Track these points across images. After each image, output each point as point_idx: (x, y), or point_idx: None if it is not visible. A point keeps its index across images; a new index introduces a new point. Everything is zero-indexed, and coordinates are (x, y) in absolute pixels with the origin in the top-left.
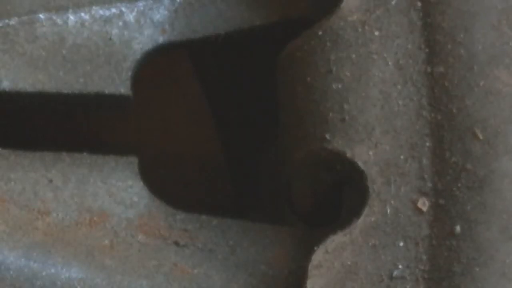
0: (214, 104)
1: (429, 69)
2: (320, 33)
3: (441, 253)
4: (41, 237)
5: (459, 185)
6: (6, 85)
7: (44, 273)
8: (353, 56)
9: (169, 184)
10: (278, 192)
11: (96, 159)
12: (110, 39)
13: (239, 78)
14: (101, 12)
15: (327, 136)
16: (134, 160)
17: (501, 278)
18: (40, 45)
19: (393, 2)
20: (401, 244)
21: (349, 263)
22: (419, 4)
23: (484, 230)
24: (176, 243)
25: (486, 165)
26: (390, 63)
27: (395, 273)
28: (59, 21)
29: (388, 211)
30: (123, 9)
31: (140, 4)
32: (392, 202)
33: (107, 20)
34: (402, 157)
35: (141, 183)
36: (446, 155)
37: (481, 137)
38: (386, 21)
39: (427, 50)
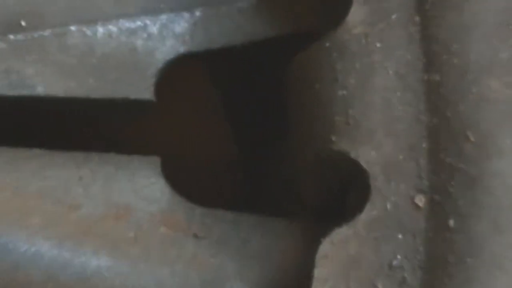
0: (229, 108)
1: (426, 77)
2: (327, 44)
3: (436, 245)
4: (72, 229)
5: (453, 183)
6: (41, 90)
7: (75, 262)
8: (357, 65)
9: (189, 181)
10: (286, 187)
11: (122, 159)
12: (135, 49)
13: (251, 84)
14: (127, 24)
15: (333, 138)
16: (156, 159)
17: (491, 267)
18: (71, 54)
19: (393, 17)
20: (400, 236)
21: (353, 253)
22: (417, 18)
23: (475, 224)
24: (195, 235)
25: (478, 165)
26: (390, 72)
27: (394, 262)
28: (88, 32)
29: (389, 206)
30: (147, 21)
31: (163, 17)
32: (392, 198)
33: (132, 32)
34: (401, 157)
35: (163, 181)
36: (441, 156)
37: (473, 139)
38: (387, 33)
39: (424, 60)
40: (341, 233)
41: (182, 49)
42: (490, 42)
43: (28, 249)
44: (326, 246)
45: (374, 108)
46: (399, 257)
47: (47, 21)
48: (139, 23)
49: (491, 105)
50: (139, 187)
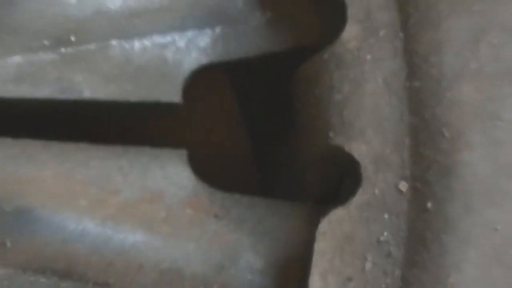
0: (246, 110)
1: (408, 85)
2: (325, 57)
3: (416, 224)
4: (113, 210)
5: (431, 172)
6: (87, 95)
7: (115, 238)
8: (351, 74)
9: (210, 170)
10: (292, 176)
11: (155, 151)
12: (166, 60)
13: (264, 87)
14: (159, 39)
15: (331, 134)
16: (184, 152)
17: (461, 242)
18: (112, 64)
19: (381, 33)
20: (386, 216)
21: (346, 231)
22: (401, 34)
23: (449, 206)
24: (216, 216)
25: (451, 157)
26: (379, 80)
27: (382, 238)
28: (127, 46)
29: (377, 191)
30: (176, 37)
31: (189, 33)
32: (380, 185)
33: (163, 46)
34: (387, 151)
35: (189, 170)
36: (421, 150)
37: (447, 136)
38: (376, 47)
39: (407, 70)
40: (337, 213)
41: (204, 60)
42: (461, 55)
43: (76, 227)
44: (324, 225)
45: (365, 110)
46: (385, 234)
47: (92, 36)
48: (169, 38)
49: (462, 107)
50: (169, 175)
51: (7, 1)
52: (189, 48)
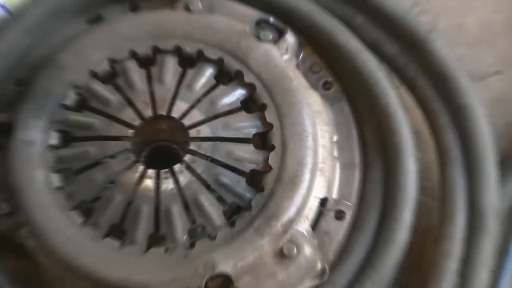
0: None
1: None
2: (267, 138)
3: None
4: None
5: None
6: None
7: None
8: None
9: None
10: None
11: (244, 144)
12: (244, 131)
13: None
14: (240, 124)
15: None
16: (251, 142)
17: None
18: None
19: (274, 127)
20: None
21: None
22: (278, 122)
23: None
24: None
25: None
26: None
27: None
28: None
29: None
30: (245, 130)
31: (249, 129)
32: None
33: (245, 127)
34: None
35: (253, 147)
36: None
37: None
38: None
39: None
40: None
41: (253, 133)
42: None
43: None
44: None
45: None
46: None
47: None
48: (243, 124)
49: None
50: (247, 149)
51: None
52: (251, 130)
